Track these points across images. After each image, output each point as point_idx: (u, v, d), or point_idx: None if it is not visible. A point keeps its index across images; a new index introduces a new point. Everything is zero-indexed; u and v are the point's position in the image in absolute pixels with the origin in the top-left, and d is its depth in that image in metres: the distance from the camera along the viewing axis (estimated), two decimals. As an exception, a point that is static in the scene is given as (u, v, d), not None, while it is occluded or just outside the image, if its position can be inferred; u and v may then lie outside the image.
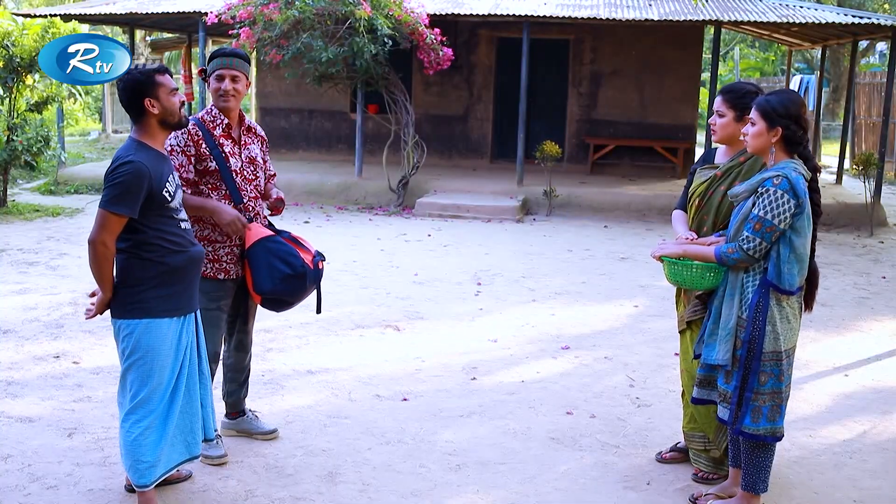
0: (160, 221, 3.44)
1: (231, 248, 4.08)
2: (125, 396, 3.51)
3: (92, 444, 4.25)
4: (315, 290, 4.21)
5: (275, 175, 4.45)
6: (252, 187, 4.17)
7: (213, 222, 4.02)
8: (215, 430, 4.13)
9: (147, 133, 3.49)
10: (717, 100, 3.98)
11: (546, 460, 4.26)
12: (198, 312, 3.72)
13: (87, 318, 3.55)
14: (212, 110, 4.12)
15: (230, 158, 4.07)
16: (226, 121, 4.11)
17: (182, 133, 3.95)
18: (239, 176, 4.09)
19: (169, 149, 3.90)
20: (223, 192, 4.05)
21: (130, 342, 3.44)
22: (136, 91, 3.44)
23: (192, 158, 3.99)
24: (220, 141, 4.07)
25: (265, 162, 4.35)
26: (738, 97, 3.89)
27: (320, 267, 4.19)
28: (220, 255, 4.07)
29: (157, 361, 3.45)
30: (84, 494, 3.75)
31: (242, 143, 4.17)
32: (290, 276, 4.03)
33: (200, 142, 4.01)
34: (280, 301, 4.17)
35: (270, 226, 4.25)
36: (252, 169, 4.18)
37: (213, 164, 4.01)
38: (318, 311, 4.34)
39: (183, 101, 3.59)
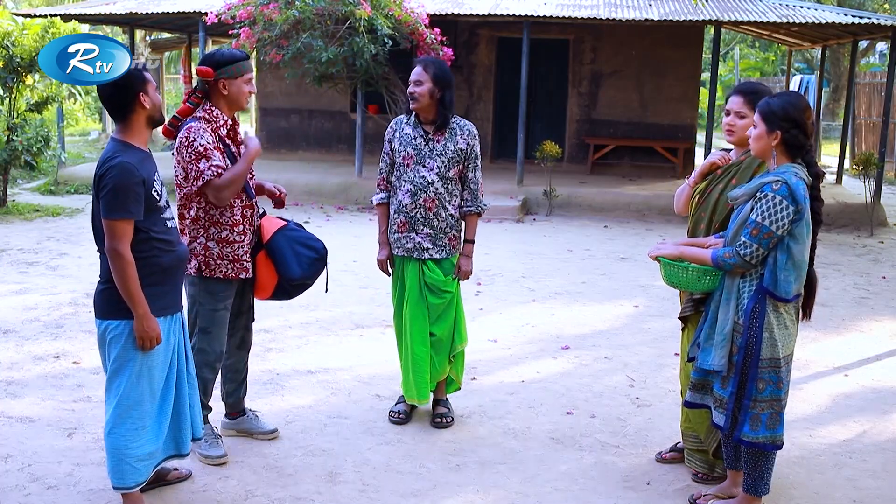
0: (150, 221, 3.40)
1: (248, 246, 4.08)
2: (114, 399, 3.42)
3: (92, 444, 4.25)
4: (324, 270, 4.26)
5: None
6: (253, 183, 4.18)
7: (231, 222, 3.97)
8: (212, 429, 4.14)
9: (132, 132, 3.43)
10: (738, 101, 3.81)
11: (546, 460, 4.26)
12: (184, 312, 3.69)
13: (141, 349, 3.39)
14: (212, 111, 3.97)
15: (237, 157, 4.02)
16: (229, 122, 4.03)
17: (205, 132, 3.87)
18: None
19: (202, 149, 3.82)
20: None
21: (120, 343, 3.39)
22: (131, 87, 3.39)
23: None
24: (227, 142, 4.01)
25: None
26: (761, 100, 3.77)
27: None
28: (240, 254, 4.03)
29: (146, 362, 3.42)
30: (84, 494, 3.75)
31: (238, 140, 4.11)
32: (316, 260, 4.14)
33: (217, 141, 3.94)
34: (301, 286, 4.21)
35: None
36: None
37: (227, 163, 3.93)
38: (327, 289, 4.43)
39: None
